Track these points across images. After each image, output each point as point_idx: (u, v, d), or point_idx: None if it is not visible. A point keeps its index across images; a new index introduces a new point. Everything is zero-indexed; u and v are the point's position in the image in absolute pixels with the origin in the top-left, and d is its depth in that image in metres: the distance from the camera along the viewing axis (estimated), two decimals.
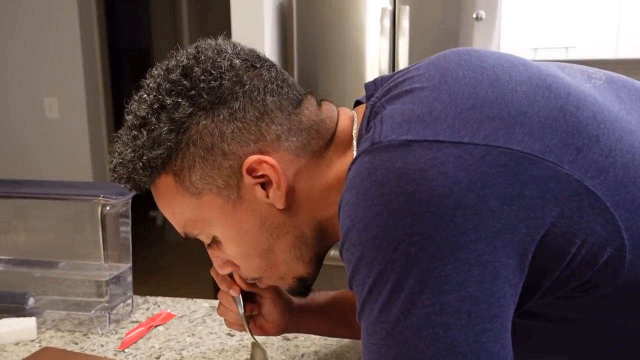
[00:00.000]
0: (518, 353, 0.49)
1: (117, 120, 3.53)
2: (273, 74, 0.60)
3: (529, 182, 0.46)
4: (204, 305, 1.09)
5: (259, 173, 0.58)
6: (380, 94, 0.56)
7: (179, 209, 0.61)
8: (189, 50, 0.61)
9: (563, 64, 0.62)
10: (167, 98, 0.57)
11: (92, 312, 0.99)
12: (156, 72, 0.61)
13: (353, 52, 2.10)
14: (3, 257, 1.08)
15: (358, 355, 0.89)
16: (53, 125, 3.00)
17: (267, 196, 0.59)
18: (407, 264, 0.45)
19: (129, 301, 1.06)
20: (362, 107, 0.63)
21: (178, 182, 0.59)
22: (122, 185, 0.63)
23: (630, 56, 2.22)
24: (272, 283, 0.70)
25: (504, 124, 0.48)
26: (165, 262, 3.89)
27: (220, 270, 0.68)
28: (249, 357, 0.87)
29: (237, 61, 0.59)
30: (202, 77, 0.57)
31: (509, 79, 0.51)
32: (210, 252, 0.66)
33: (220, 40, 0.62)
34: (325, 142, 0.61)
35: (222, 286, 0.76)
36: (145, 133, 0.58)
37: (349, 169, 0.52)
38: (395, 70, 2.10)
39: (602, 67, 0.63)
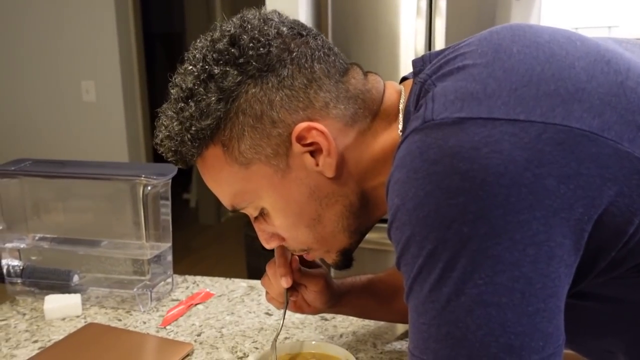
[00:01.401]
0: (567, 334, 0.48)
1: (151, 103, 3.58)
2: (319, 42, 0.60)
3: (586, 160, 0.45)
4: (241, 285, 1.11)
5: (308, 141, 0.58)
6: (430, 71, 0.55)
7: (227, 181, 0.61)
8: (234, 20, 0.60)
9: (620, 38, 0.59)
10: (215, 67, 0.57)
11: (134, 290, 1.01)
12: (200, 44, 0.61)
13: (388, 33, 2.07)
14: (48, 236, 1.11)
15: (395, 335, 0.89)
16: (90, 108, 3.06)
17: (317, 164, 0.59)
18: (459, 243, 0.45)
19: (169, 280, 1.08)
20: (409, 82, 0.62)
21: (227, 153, 0.59)
22: (169, 160, 0.62)
23: None
24: (318, 256, 0.69)
25: (561, 100, 0.46)
26: (198, 244, 3.95)
27: (266, 244, 0.68)
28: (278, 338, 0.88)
29: (284, 29, 0.59)
30: (250, 44, 0.57)
31: (565, 54, 0.49)
32: (256, 225, 0.66)
33: (264, 10, 0.62)
34: (372, 112, 0.61)
35: (279, 270, 0.76)
36: (192, 104, 0.58)
37: (398, 147, 0.51)
38: (432, 50, 2.05)
39: None
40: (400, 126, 0.60)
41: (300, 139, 0.57)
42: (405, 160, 0.49)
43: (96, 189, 1.06)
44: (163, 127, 0.61)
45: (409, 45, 2.04)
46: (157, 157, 3.53)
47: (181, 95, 0.59)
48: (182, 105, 0.59)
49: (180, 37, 5.00)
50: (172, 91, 0.61)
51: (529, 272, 0.44)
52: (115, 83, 3.01)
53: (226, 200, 0.63)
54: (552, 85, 0.47)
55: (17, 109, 3.16)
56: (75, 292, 1.04)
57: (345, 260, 0.68)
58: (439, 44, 2.00)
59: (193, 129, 0.58)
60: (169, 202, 1.05)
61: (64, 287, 1.05)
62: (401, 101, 0.61)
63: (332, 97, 0.58)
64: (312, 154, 0.58)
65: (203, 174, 0.63)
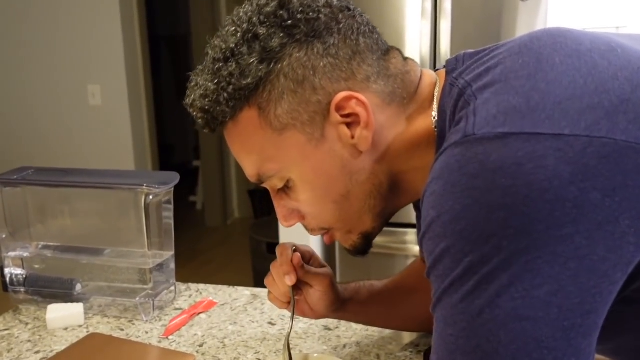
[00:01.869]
0: (609, 334, 0.47)
1: (157, 105, 3.58)
2: (365, 19, 0.61)
3: (632, 172, 0.44)
4: (245, 293, 1.10)
5: (347, 111, 0.57)
6: (470, 77, 0.54)
7: (258, 146, 0.59)
8: None
9: None
10: (261, 28, 0.57)
11: (137, 299, 1.01)
12: (244, 9, 0.60)
13: (393, 35, 2.06)
14: (51, 244, 1.10)
15: (400, 345, 0.88)
16: (96, 112, 3.07)
17: (352, 137, 0.58)
18: (498, 257, 0.44)
19: (172, 288, 1.08)
20: (442, 73, 0.62)
21: (262, 116, 0.58)
22: (198, 120, 0.61)
23: None
24: (339, 237, 0.67)
25: (605, 113, 0.45)
26: (205, 247, 3.95)
27: (284, 221, 0.65)
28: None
29: (334, 0, 0.60)
30: (300, 9, 0.57)
31: (608, 65, 0.49)
32: (276, 201, 0.65)
33: None
34: (409, 95, 0.61)
35: (282, 268, 0.76)
36: (233, 63, 0.57)
37: (436, 159, 0.51)
38: (437, 53, 2.03)
39: None
40: (434, 115, 0.60)
41: (339, 108, 0.57)
42: (443, 172, 0.49)
43: (99, 197, 1.06)
44: (197, 87, 0.60)
45: (414, 46, 2.03)
46: (163, 159, 3.52)
47: (220, 55, 0.58)
48: (221, 65, 0.58)
49: (186, 39, 5.01)
50: (210, 52, 0.60)
51: (568, 286, 0.44)
52: (121, 86, 3.02)
53: (252, 169, 0.62)
54: (595, 98, 0.46)
55: (23, 113, 3.17)
56: (78, 301, 1.03)
57: (365, 244, 0.67)
58: (444, 45, 1.99)
59: (231, 88, 0.57)
60: (171, 210, 1.05)
61: (66, 295, 1.05)
62: (436, 91, 0.61)
63: (373, 72, 0.59)
64: (348, 126, 0.58)
65: (231, 141, 0.62)
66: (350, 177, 0.60)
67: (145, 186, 0.96)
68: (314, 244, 2.22)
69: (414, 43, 2.03)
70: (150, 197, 0.97)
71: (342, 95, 0.57)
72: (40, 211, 1.11)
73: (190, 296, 1.10)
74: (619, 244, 0.44)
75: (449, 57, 2.00)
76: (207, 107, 0.59)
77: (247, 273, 3.02)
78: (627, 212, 0.44)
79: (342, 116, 0.58)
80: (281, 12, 0.57)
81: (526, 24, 1.97)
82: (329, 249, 2.35)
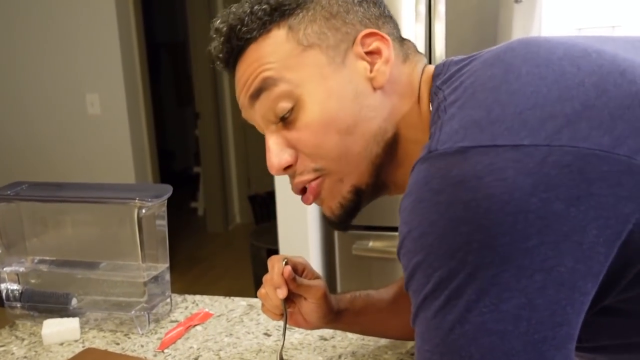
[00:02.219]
0: (585, 351, 0.47)
1: (157, 112, 3.59)
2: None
3: (597, 180, 0.43)
4: (241, 304, 1.10)
5: (370, 49, 0.61)
6: (448, 90, 0.54)
7: (280, 54, 0.61)
8: None
9: None
10: None
11: (132, 312, 1.01)
12: None
13: None
14: (47, 258, 1.11)
15: (396, 356, 0.88)
16: (95, 121, 3.07)
17: (371, 71, 0.61)
18: (464, 272, 0.44)
19: (168, 300, 1.08)
20: (431, 72, 0.64)
21: (290, 35, 0.61)
22: (223, 35, 0.63)
23: None
24: (328, 185, 0.63)
25: (567, 121, 0.45)
26: (206, 253, 3.96)
27: (275, 159, 0.63)
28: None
29: None
30: None
31: (576, 71, 0.48)
32: (271, 137, 0.63)
33: None
34: (416, 67, 0.65)
35: (273, 282, 0.75)
36: None
37: (410, 175, 0.52)
38: (432, 56, 2.02)
39: None
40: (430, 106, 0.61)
41: (363, 43, 0.61)
42: (412, 189, 0.49)
43: (93, 211, 1.06)
44: (229, 12, 0.64)
45: None
46: (163, 166, 3.52)
47: None
48: None
49: (184, 45, 5.02)
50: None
51: (536, 298, 0.43)
52: (120, 94, 3.02)
53: (259, 81, 0.62)
54: (558, 106, 0.46)
55: (22, 123, 3.18)
56: (74, 315, 1.03)
57: (352, 207, 0.64)
58: (439, 48, 1.99)
59: (267, 7, 0.61)
60: (165, 222, 1.05)
61: (62, 310, 1.05)
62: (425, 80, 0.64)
63: (394, 34, 0.64)
64: (369, 62, 0.62)
65: (246, 61, 0.63)
66: (360, 108, 0.60)
67: (138, 200, 0.96)
68: (313, 252, 2.22)
69: None
70: (143, 210, 0.97)
71: (368, 30, 0.61)
72: (35, 226, 1.11)
73: (186, 308, 1.10)
74: (587, 254, 0.43)
75: (443, 59, 2.01)
76: (239, 17, 0.62)
77: (248, 278, 3.02)
78: (594, 221, 0.43)
79: (365, 53, 0.61)
80: None
81: (521, 26, 1.96)
82: (328, 258, 2.35)
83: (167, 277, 1.08)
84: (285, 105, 0.61)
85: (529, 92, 0.47)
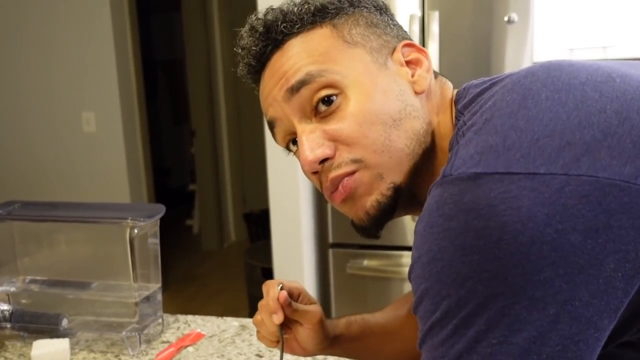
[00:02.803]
0: None
1: (153, 129, 3.60)
2: None
3: (617, 212, 0.41)
4: (233, 324, 1.09)
5: (409, 58, 0.62)
6: (467, 117, 0.53)
7: (324, 48, 0.60)
8: None
9: None
10: None
11: (124, 333, 1.00)
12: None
13: None
14: (38, 278, 1.10)
15: None
16: (91, 139, 3.07)
17: (412, 75, 0.61)
18: (474, 302, 0.43)
19: (160, 320, 1.07)
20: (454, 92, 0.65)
21: (334, 32, 0.61)
22: (257, 31, 0.63)
23: None
24: (367, 179, 0.59)
25: (586, 149, 0.43)
26: (201, 271, 3.94)
27: (312, 153, 0.58)
28: None
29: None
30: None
31: (598, 97, 0.46)
32: (307, 130, 0.59)
33: None
34: (446, 91, 0.65)
35: (269, 307, 0.74)
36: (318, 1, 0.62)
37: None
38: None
39: None
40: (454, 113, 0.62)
41: (403, 52, 0.62)
42: (425, 213, 0.48)
43: (85, 231, 1.06)
44: (267, 10, 0.64)
45: None
46: (158, 183, 3.50)
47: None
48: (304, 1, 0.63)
49: (181, 63, 5.05)
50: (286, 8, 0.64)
51: (548, 332, 0.42)
52: (115, 113, 3.03)
53: (307, 67, 0.59)
54: (577, 133, 0.44)
55: (18, 141, 3.18)
56: (64, 336, 1.03)
57: (389, 206, 0.59)
58: (433, 66, 2.00)
59: (313, 8, 0.61)
60: (157, 242, 1.05)
61: (53, 331, 1.04)
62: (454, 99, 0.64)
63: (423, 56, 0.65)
64: (409, 67, 0.62)
65: (288, 52, 0.61)
66: (405, 105, 0.59)
67: (130, 219, 0.96)
68: (307, 270, 2.21)
69: None
70: (136, 230, 0.97)
71: (408, 41, 0.63)
72: (27, 245, 1.11)
73: (178, 328, 1.09)
74: (603, 288, 0.42)
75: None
76: (275, 19, 0.62)
77: (243, 297, 3.00)
78: (612, 254, 0.41)
79: (406, 61, 0.62)
80: None
81: (515, 45, 1.99)
82: (323, 277, 2.34)
83: (159, 297, 1.07)
84: (329, 92, 0.58)
85: (548, 118, 0.45)
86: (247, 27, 0.64)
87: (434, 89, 0.63)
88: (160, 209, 1.01)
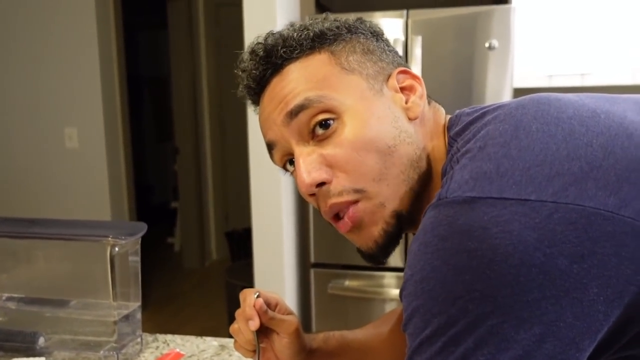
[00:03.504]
0: None
1: (137, 146, 3.58)
2: None
3: (601, 240, 0.44)
4: (213, 344, 1.09)
5: (404, 84, 0.64)
6: (461, 142, 0.56)
7: (322, 74, 0.62)
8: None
9: None
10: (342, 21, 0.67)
11: (101, 352, 0.99)
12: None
13: None
14: (15, 295, 1.09)
15: None
16: (73, 155, 3.05)
17: (406, 102, 0.63)
18: (463, 320, 0.45)
19: (139, 340, 1.06)
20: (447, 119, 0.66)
21: (332, 58, 0.63)
22: (258, 55, 0.65)
23: None
24: (371, 209, 0.60)
25: (574, 179, 0.46)
26: (181, 290, 3.90)
27: (309, 176, 0.59)
28: None
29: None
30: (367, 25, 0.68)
31: (585, 131, 0.50)
32: (304, 153, 0.61)
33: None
34: (439, 130, 0.66)
35: (245, 314, 0.75)
36: (316, 25, 0.65)
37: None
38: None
39: (619, 93, 0.60)
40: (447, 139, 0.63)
41: (398, 79, 0.64)
42: (420, 233, 0.50)
43: (65, 248, 1.05)
44: (270, 34, 0.65)
45: None
46: (141, 200, 3.48)
47: (302, 25, 0.66)
48: (303, 27, 0.65)
49: (167, 80, 5.06)
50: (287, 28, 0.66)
51: (533, 351, 0.44)
52: (99, 129, 3.02)
53: (305, 92, 0.61)
54: (566, 164, 0.47)
55: None
56: (40, 354, 1.01)
57: (395, 233, 0.61)
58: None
59: (311, 34, 0.63)
60: (138, 260, 1.04)
61: (29, 349, 1.02)
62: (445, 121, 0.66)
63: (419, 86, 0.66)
64: (403, 94, 0.64)
65: (288, 77, 0.63)
66: (400, 132, 0.61)
67: (111, 237, 0.96)
68: (288, 290, 2.21)
69: None
70: (116, 248, 0.97)
71: (402, 68, 0.65)
72: (5, 262, 1.10)
73: (157, 347, 1.08)
74: (587, 311, 0.44)
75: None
76: (275, 43, 0.63)
77: (223, 316, 2.97)
78: (596, 279, 0.44)
79: (400, 87, 0.64)
80: (356, 23, 0.67)
81: (495, 71, 2.03)
82: (304, 297, 2.33)
83: (139, 315, 1.06)
84: (327, 117, 0.60)
85: (538, 149, 0.48)
86: (248, 50, 0.66)
87: (428, 115, 0.65)
88: (142, 227, 1.01)
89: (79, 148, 3.04)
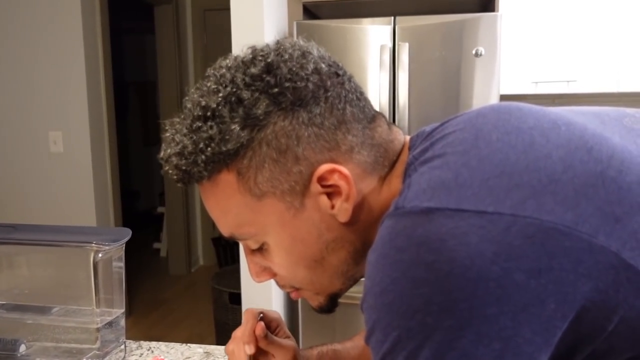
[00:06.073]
0: None
1: (123, 151, 3.55)
2: (353, 85, 0.59)
3: (559, 255, 0.43)
4: (198, 350, 1.07)
5: (329, 183, 0.55)
6: (418, 152, 0.54)
7: (235, 209, 0.57)
8: (270, 45, 0.58)
9: (630, 113, 0.57)
10: (246, 92, 0.54)
11: (84, 359, 0.97)
12: (228, 63, 0.57)
13: None
14: None
15: None
16: (57, 160, 3.02)
17: (332, 207, 0.56)
18: (422, 334, 0.44)
19: (122, 347, 1.04)
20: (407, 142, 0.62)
21: (240, 182, 0.55)
22: (174, 177, 0.58)
23: (632, 89, 2.21)
24: (306, 296, 0.65)
25: (533, 192, 0.45)
26: (168, 296, 3.86)
27: (256, 277, 0.64)
28: None
29: (323, 66, 0.57)
30: (288, 76, 0.54)
31: (545, 142, 0.49)
32: (249, 258, 0.63)
33: (301, 42, 0.59)
34: (390, 163, 0.59)
35: (243, 338, 0.74)
36: (214, 126, 0.54)
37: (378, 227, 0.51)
38: (396, 103, 2.09)
39: (603, 101, 0.60)
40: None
41: (321, 179, 0.55)
42: (377, 244, 0.49)
43: (48, 254, 1.03)
44: (174, 143, 0.56)
45: (374, 97, 2.08)
46: (127, 205, 3.45)
47: (200, 113, 0.55)
48: (200, 124, 0.54)
49: (153, 85, 5.03)
50: (188, 106, 0.57)
51: None
52: (84, 133, 2.98)
53: (226, 229, 0.59)
54: (525, 176, 0.46)
55: None
56: None
57: (331, 304, 0.65)
58: (402, 96, 2.05)
59: (209, 151, 0.54)
60: (122, 266, 1.03)
61: (9, 357, 1.00)
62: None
63: (357, 142, 0.57)
64: (329, 195, 0.56)
65: (206, 198, 0.59)
66: (327, 245, 0.59)
67: (95, 244, 0.94)
68: (275, 296, 2.19)
69: (374, 94, 2.08)
70: (100, 254, 0.95)
71: (324, 168, 0.55)
72: None
73: (141, 355, 1.07)
74: (545, 326, 0.43)
75: (406, 107, 2.06)
76: (183, 167, 0.56)
77: (209, 323, 2.95)
78: (553, 295, 0.43)
79: (324, 187, 0.56)
80: (268, 78, 0.54)
81: (482, 78, 2.04)
82: (290, 303, 2.32)
83: (122, 322, 1.05)
84: (252, 245, 0.61)
85: (498, 159, 0.47)
86: (161, 155, 0.59)
87: (363, 197, 0.58)
88: (126, 233, 1.00)
89: (64, 152, 3.01)
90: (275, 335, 0.78)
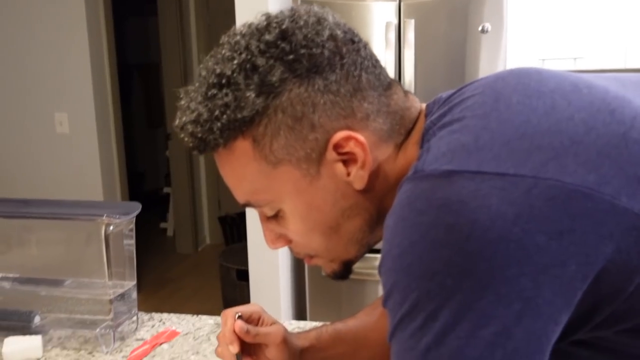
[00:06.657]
0: None
1: (128, 133, 3.56)
2: (368, 52, 0.58)
3: (580, 217, 0.43)
4: (208, 322, 1.09)
5: (345, 150, 0.55)
6: (436, 117, 0.54)
7: (250, 177, 0.57)
8: (284, 12, 0.57)
9: None
10: (260, 59, 0.53)
11: (97, 330, 1.00)
12: (243, 30, 0.56)
13: None
14: (10, 275, 1.09)
15: None
16: (63, 141, 3.03)
17: (348, 174, 0.56)
18: (442, 295, 0.44)
19: (134, 318, 1.07)
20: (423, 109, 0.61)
21: (256, 149, 0.55)
22: (189, 145, 0.57)
23: None
24: (321, 263, 0.65)
25: (554, 154, 0.45)
26: (175, 274, 3.90)
27: (271, 244, 0.64)
28: None
29: (338, 32, 0.56)
30: (303, 42, 0.53)
31: (567, 105, 0.48)
32: (265, 225, 0.63)
33: (316, 8, 0.58)
34: (406, 131, 0.59)
35: (225, 338, 0.74)
36: (229, 93, 0.53)
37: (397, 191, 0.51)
38: (402, 81, 2.08)
39: None
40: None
41: (337, 147, 0.55)
42: (396, 208, 0.49)
43: (59, 228, 1.05)
44: (189, 111, 0.56)
45: None
46: (133, 186, 3.47)
47: (215, 81, 0.54)
48: (216, 92, 0.54)
49: (157, 66, 5.02)
50: (203, 73, 0.56)
51: (512, 327, 0.43)
52: (89, 114, 3.00)
53: (242, 196, 0.59)
54: (546, 138, 0.46)
55: None
56: (36, 333, 1.02)
57: (345, 271, 0.65)
58: (409, 73, 2.04)
59: (225, 118, 0.53)
60: (133, 240, 1.05)
61: (25, 328, 1.03)
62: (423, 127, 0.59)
63: (373, 110, 0.56)
64: (345, 163, 0.56)
65: (222, 165, 0.59)
66: (342, 212, 0.59)
67: (106, 217, 0.96)
68: (283, 273, 2.22)
69: None
70: (111, 227, 0.97)
71: (340, 135, 0.54)
72: (0, 242, 1.10)
73: (153, 326, 1.09)
74: (565, 288, 0.44)
75: (412, 84, 2.06)
76: (199, 135, 0.55)
77: (217, 300, 2.99)
78: (574, 257, 0.43)
79: (340, 154, 0.55)
80: (283, 45, 0.53)
81: (488, 54, 2.03)
82: (298, 279, 2.35)
83: (134, 295, 1.07)
84: (268, 212, 0.60)
85: (519, 121, 0.47)
86: (176, 124, 0.59)
87: (381, 164, 0.58)
88: (136, 207, 1.02)
89: (70, 133, 3.02)
90: (260, 326, 0.78)
